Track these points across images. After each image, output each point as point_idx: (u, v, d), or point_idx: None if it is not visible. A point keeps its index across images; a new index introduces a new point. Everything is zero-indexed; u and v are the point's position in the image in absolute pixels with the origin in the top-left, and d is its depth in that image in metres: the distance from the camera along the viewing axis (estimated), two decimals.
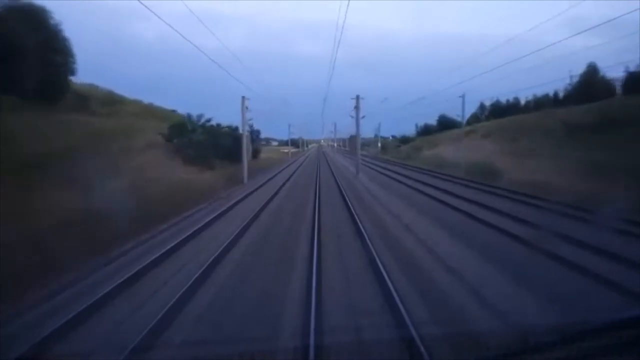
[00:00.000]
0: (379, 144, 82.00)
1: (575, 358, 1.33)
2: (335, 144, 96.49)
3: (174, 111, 42.22)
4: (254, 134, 44.47)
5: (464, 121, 42.00)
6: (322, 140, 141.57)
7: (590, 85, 38.90)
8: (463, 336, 5.45)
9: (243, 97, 29.63)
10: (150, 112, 38.33)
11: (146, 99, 42.35)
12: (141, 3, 12.91)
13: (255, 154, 43.82)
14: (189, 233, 12.12)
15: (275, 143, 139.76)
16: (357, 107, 33.05)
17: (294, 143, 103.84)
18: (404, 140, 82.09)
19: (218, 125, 36.65)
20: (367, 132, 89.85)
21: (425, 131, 74.56)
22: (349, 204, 17.59)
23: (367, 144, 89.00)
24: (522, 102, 54.85)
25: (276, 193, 22.20)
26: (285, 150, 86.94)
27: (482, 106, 62.27)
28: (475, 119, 60.04)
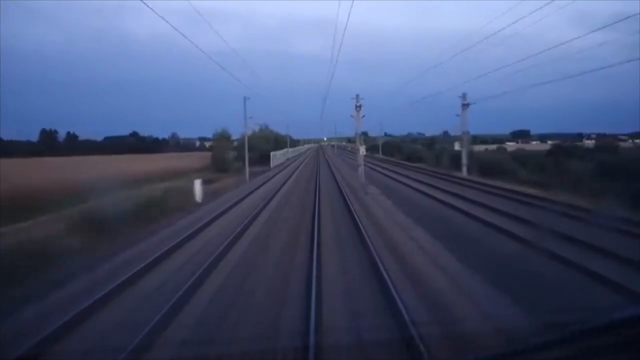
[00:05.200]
0: None
1: (575, 357, 1.28)
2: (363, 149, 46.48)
3: None
4: None
5: None
6: (325, 139, 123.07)
7: None
8: None
9: None
10: None
11: None
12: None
13: None
14: None
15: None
16: None
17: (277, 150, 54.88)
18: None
19: None
20: (370, 131, 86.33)
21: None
22: None
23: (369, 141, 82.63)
24: None
25: None
26: None
27: None
28: None
